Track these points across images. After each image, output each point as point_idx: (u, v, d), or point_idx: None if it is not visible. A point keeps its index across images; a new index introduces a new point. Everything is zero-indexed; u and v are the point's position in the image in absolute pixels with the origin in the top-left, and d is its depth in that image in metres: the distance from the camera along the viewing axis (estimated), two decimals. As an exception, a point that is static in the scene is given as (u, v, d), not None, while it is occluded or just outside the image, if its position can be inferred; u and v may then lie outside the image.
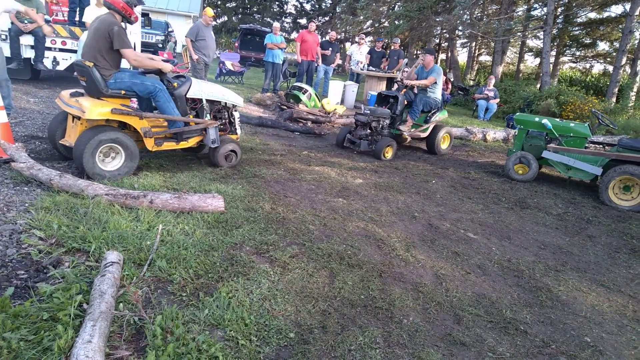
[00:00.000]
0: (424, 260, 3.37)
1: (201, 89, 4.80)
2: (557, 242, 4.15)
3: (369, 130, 6.94)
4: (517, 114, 7.29)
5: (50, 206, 3.29)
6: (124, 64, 4.49)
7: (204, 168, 4.93)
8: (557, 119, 6.72)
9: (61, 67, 8.26)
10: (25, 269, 2.55)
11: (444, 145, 7.80)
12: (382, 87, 12.67)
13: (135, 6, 4.31)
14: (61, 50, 8.19)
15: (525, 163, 6.27)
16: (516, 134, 6.78)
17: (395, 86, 7.89)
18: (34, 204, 3.36)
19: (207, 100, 4.88)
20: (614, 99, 13.97)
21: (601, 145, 6.84)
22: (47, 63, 8.08)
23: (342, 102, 11.72)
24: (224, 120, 5.21)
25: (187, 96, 4.68)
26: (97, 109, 3.96)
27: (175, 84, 4.61)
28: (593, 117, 7.41)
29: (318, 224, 3.77)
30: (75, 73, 4.66)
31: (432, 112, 7.45)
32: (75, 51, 8.12)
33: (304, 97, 9.92)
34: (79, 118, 4.12)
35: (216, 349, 2.04)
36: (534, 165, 6.20)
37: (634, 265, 3.82)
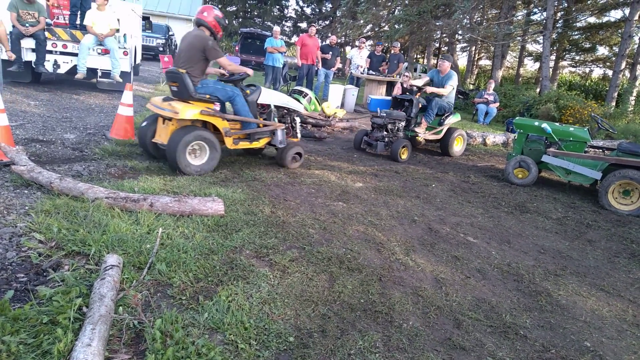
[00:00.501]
0: (423, 265, 3.37)
1: (270, 96, 5.51)
2: (557, 247, 4.15)
3: (385, 132, 7.16)
4: (517, 118, 7.31)
5: (50, 209, 3.29)
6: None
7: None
8: (557, 123, 6.73)
9: (62, 70, 8.28)
10: (25, 272, 2.55)
11: (457, 147, 7.99)
12: (382, 91, 12.70)
13: (223, 26, 5.04)
14: (62, 53, 8.22)
15: (525, 167, 6.28)
16: (516, 138, 6.80)
17: (397, 89, 8.08)
18: (34, 207, 3.36)
19: (275, 106, 5.55)
20: (614, 104, 14.00)
21: (601, 150, 6.85)
22: (48, 66, 8.10)
23: (342, 105, 11.74)
24: (287, 125, 5.81)
25: (258, 102, 5.33)
26: (188, 111, 4.58)
27: (248, 92, 5.23)
28: (592, 121, 7.42)
29: (318, 227, 3.77)
30: (165, 80, 5.46)
31: (446, 115, 7.66)
32: (76, 54, 8.15)
33: (304, 101, 9.91)
34: (170, 119, 4.76)
35: (215, 353, 2.04)
36: (533, 170, 6.21)
37: (633, 270, 3.82)
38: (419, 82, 7.87)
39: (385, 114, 7.12)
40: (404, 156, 7.01)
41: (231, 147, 5.08)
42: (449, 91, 7.49)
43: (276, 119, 5.55)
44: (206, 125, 4.93)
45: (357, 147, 7.49)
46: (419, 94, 7.49)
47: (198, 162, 4.76)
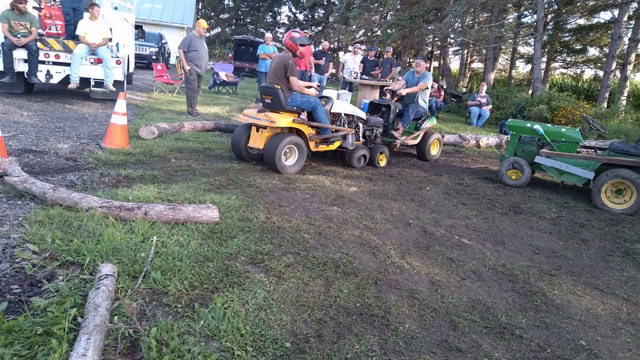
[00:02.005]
0: (419, 267, 3.38)
1: (341, 106, 6.30)
2: (551, 247, 4.17)
3: (363, 140, 6.96)
4: (510, 120, 7.35)
5: (44, 220, 3.28)
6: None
7: (198, 179, 4.94)
8: (549, 124, 6.78)
9: (55, 80, 8.28)
10: (19, 284, 2.53)
11: (433, 151, 7.90)
12: (375, 95, 12.73)
13: (302, 45, 5.88)
14: (55, 63, 8.21)
15: (519, 168, 6.31)
16: (509, 139, 6.84)
17: (388, 95, 7.95)
18: (28, 217, 3.35)
19: (344, 114, 6.31)
20: (605, 104, 14.11)
21: (593, 150, 6.90)
22: (41, 76, 8.09)
23: (336, 110, 11.76)
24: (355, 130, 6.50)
25: (331, 111, 6.14)
26: (283, 119, 5.49)
27: (322, 102, 5.99)
28: (584, 122, 7.48)
29: (313, 232, 3.78)
30: (259, 95, 6.49)
31: (422, 119, 7.55)
32: (68, 64, 8.14)
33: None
34: (265, 128, 5.62)
35: (212, 360, 2.03)
36: (527, 171, 6.24)
37: (627, 268, 3.84)
38: (396, 86, 7.72)
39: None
40: (382, 162, 6.89)
41: (314, 150, 5.96)
42: (422, 88, 7.33)
43: (346, 125, 6.32)
44: (291, 131, 5.74)
45: (334, 154, 7.20)
46: (395, 98, 7.39)
47: (290, 163, 5.64)
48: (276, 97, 5.54)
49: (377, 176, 6.15)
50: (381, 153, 6.83)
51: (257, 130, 5.74)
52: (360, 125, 6.64)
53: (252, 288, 2.73)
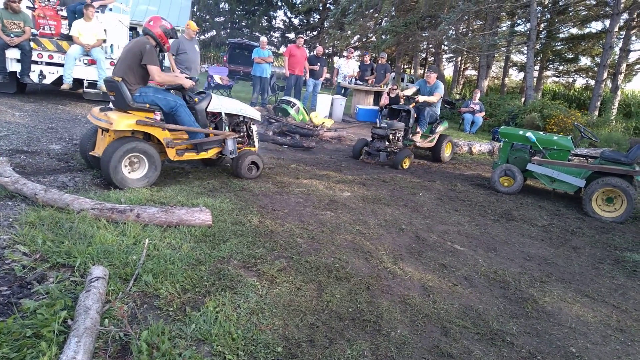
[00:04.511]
0: (411, 273, 3.39)
1: (220, 104, 5.19)
2: (543, 254, 4.20)
3: (387, 143, 7.38)
4: (502, 127, 7.41)
5: (34, 221, 3.25)
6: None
7: (191, 182, 4.92)
8: (541, 132, 6.84)
9: (47, 80, 8.22)
10: (9, 285, 2.51)
11: (447, 152, 8.48)
12: (369, 101, 12.81)
13: (170, 37, 4.81)
14: (48, 64, 8.15)
15: (511, 175, 6.36)
16: (501, 147, 6.89)
17: (384, 99, 8.42)
18: (18, 218, 3.32)
19: (226, 114, 5.25)
20: (596, 113, 14.28)
21: (584, 158, 6.97)
22: (34, 77, 8.03)
23: (330, 115, 11.81)
24: (242, 134, 5.51)
25: (208, 110, 5.04)
26: (123, 121, 4.32)
27: (196, 99, 4.98)
28: (576, 130, 7.56)
29: (306, 237, 3.77)
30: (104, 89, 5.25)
31: (437, 123, 8.15)
32: (62, 65, 8.09)
33: (292, 111, 9.98)
34: (107, 130, 4.47)
35: (203, 364, 2.02)
36: (519, 178, 6.29)
37: (617, 276, 3.88)
38: (409, 92, 8.16)
39: (386, 125, 7.32)
40: (406, 165, 7.30)
41: (175, 159, 4.77)
42: (438, 98, 7.84)
43: (227, 128, 5.31)
44: (150, 136, 4.61)
45: (356, 157, 7.68)
46: (413, 104, 7.73)
47: (135, 176, 4.46)
48: (118, 92, 4.44)
49: (371, 181, 6.16)
50: (406, 157, 7.25)
51: (102, 134, 4.65)
52: (254, 127, 5.66)
53: (244, 292, 2.72)
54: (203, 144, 4.99)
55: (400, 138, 7.54)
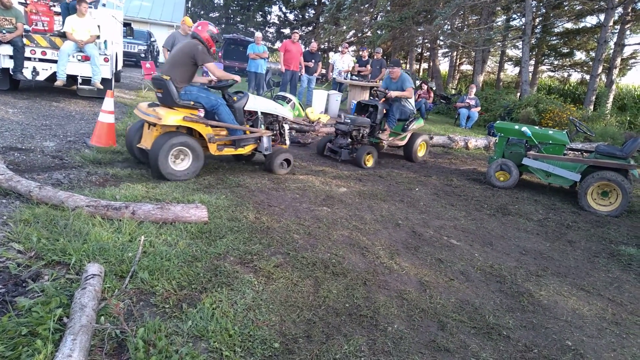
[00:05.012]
0: (408, 268, 3.39)
1: (257, 103, 5.50)
2: (538, 248, 4.22)
3: (349, 139, 6.95)
4: (498, 122, 7.42)
5: (29, 218, 3.23)
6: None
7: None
8: (537, 127, 6.86)
9: (41, 77, 8.15)
10: (3, 283, 2.49)
11: (420, 152, 7.90)
12: (365, 96, 12.77)
13: (216, 41, 5.19)
14: (41, 60, 8.08)
15: (506, 170, 6.37)
16: (497, 141, 6.90)
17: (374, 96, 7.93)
18: (13, 216, 3.29)
19: (262, 113, 5.56)
20: (592, 107, 14.32)
21: (579, 152, 6.99)
22: (27, 73, 7.96)
23: (326, 111, 11.78)
24: (275, 132, 5.83)
25: (245, 109, 5.36)
26: (171, 117, 4.65)
27: (235, 98, 5.31)
28: (571, 124, 7.58)
29: (302, 233, 3.77)
30: (151, 87, 5.55)
31: (410, 120, 7.55)
32: (55, 61, 8.02)
33: (287, 107, 9.95)
34: (154, 125, 4.81)
35: (200, 361, 2.02)
36: (514, 172, 6.30)
37: (612, 269, 3.90)
38: (399, 94, 7.56)
39: (349, 120, 6.88)
40: (369, 163, 6.77)
41: (215, 154, 5.09)
42: (411, 93, 7.35)
43: (263, 126, 5.59)
44: (192, 131, 4.97)
45: (320, 154, 7.26)
46: (383, 99, 7.30)
47: (180, 168, 4.80)
48: (166, 90, 4.79)
49: (367, 177, 6.16)
50: (368, 153, 6.73)
51: (149, 128, 5.01)
52: (286, 126, 5.97)
53: (240, 288, 2.72)
54: (241, 140, 5.29)
55: (365, 135, 7.00)
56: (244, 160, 6.10)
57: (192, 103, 4.89)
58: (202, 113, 5.07)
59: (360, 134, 6.94)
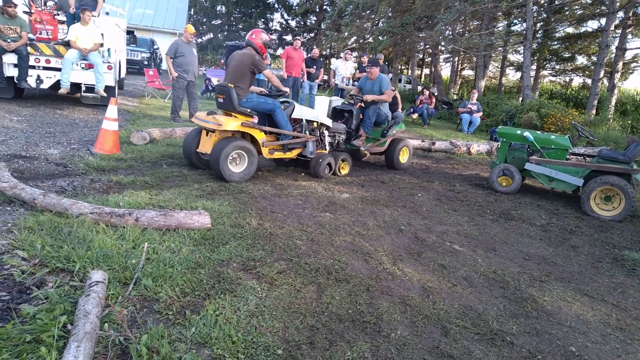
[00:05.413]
0: (410, 274, 3.39)
1: (302, 111, 5.94)
2: (542, 253, 4.21)
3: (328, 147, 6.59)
4: (500, 127, 7.42)
5: (33, 226, 3.25)
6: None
7: (190, 185, 4.92)
8: (539, 132, 6.86)
9: (45, 85, 8.21)
10: (8, 291, 2.50)
11: (402, 158, 7.43)
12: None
13: (268, 47, 5.66)
14: (45, 68, 8.15)
15: (509, 175, 6.37)
16: (499, 146, 6.90)
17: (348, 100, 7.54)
18: (17, 223, 3.31)
19: (306, 120, 5.95)
20: (594, 111, 14.31)
21: (582, 157, 6.98)
22: (31, 81, 8.03)
23: (328, 117, 11.79)
24: (317, 137, 6.19)
25: (291, 117, 5.79)
26: (231, 123, 5.12)
27: (282, 107, 5.70)
28: (573, 129, 7.57)
29: (305, 239, 3.77)
30: (215, 92, 5.89)
31: (389, 125, 7.14)
32: (59, 69, 8.09)
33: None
34: (213, 131, 5.25)
35: (203, 368, 2.02)
36: (517, 177, 6.30)
37: (616, 275, 3.88)
38: (355, 92, 7.32)
39: None
40: (344, 171, 6.40)
41: (267, 157, 5.60)
42: (392, 96, 6.93)
43: (307, 132, 5.96)
44: (244, 136, 5.41)
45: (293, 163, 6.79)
46: (359, 104, 6.97)
47: (238, 170, 5.25)
48: (228, 96, 5.22)
49: (369, 182, 6.17)
50: (343, 160, 6.37)
51: (207, 134, 5.43)
52: (326, 132, 6.33)
53: (243, 295, 2.72)
54: (289, 144, 5.79)
55: (341, 142, 6.70)
56: (283, 166, 6.49)
57: (248, 110, 5.32)
58: (256, 120, 5.44)
59: (336, 141, 6.62)
